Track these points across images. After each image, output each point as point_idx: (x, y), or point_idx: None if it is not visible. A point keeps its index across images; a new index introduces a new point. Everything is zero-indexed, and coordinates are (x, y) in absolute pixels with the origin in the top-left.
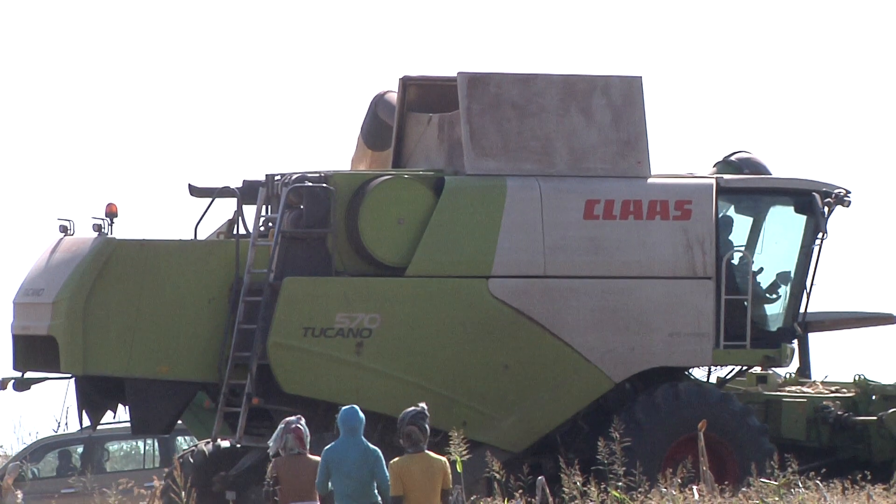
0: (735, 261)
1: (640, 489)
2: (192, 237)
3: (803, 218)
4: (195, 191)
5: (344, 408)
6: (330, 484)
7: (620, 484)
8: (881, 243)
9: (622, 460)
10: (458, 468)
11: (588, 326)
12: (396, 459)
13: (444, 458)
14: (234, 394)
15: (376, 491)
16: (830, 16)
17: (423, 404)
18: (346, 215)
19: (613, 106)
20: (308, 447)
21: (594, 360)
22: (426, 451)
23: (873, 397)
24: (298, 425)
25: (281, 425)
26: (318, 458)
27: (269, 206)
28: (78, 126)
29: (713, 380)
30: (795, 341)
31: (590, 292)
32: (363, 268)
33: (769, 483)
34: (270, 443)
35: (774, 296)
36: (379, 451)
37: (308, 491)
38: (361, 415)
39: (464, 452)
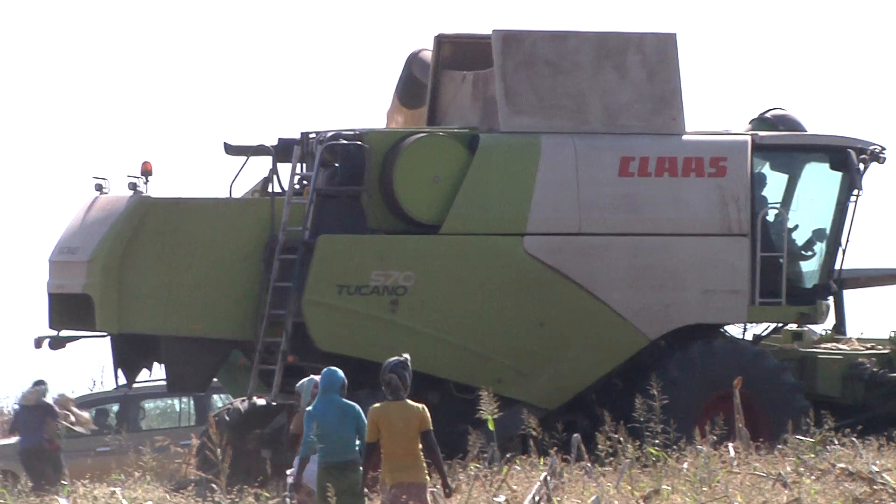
0: (770, 218)
1: (674, 446)
2: (227, 195)
3: (839, 175)
4: (230, 149)
5: (325, 368)
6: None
7: (657, 441)
8: None
9: (660, 417)
10: (490, 426)
11: (623, 284)
12: (375, 406)
13: (421, 405)
14: (269, 351)
15: (357, 447)
16: None
17: (406, 355)
18: (380, 173)
19: (648, 63)
20: None
21: (629, 317)
22: (406, 400)
23: None
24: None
25: (304, 381)
26: None
27: (304, 164)
28: (113, 84)
29: (748, 337)
30: (831, 298)
31: (625, 249)
32: (398, 225)
33: (804, 440)
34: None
35: (810, 253)
36: (358, 406)
37: None
38: (340, 375)
39: (494, 410)
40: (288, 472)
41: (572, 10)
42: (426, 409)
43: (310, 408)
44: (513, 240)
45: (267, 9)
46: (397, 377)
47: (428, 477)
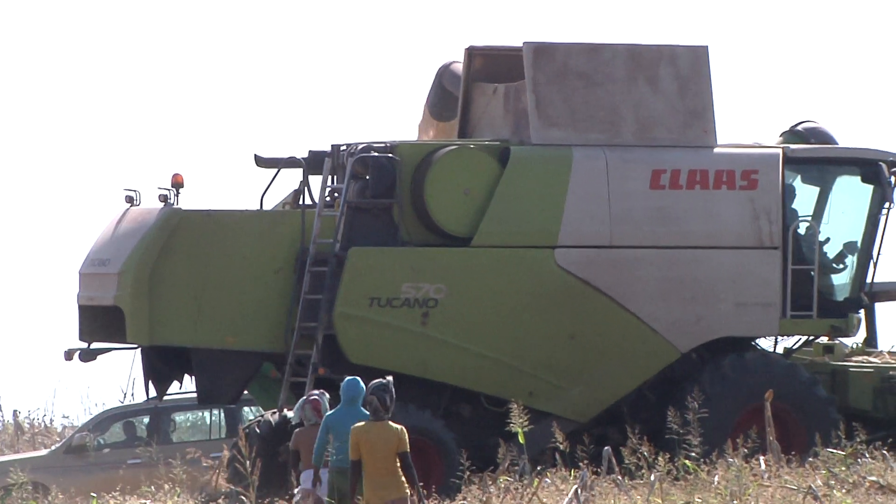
0: (802, 231)
1: (706, 459)
2: (258, 207)
3: (870, 188)
4: (261, 161)
5: (347, 378)
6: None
7: (693, 454)
8: None
9: (697, 430)
10: (521, 439)
11: (654, 296)
12: (356, 426)
13: (401, 427)
14: (300, 364)
15: None
16: None
17: (389, 378)
18: (411, 185)
19: (680, 76)
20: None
21: (661, 330)
22: (387, 421)
23: None
24: (316, 398)
25: (302, 398)
26: None
27: (335, 177)
28: (144, 96)
29: (780, 350)
30: (862, 311)
31: (656, 262)
32: (429, 238)
33: (836, 453)
34: (290, 414)
35: (841, 266)
36: None
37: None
38: (362, 385)
39: (525, 423)
40: (296, 490)
41: (601, 22)
42: (405, 431)
43: (329, 412)
44: (544, 252)
45: (298, 22)
46: (377, 399)
47: (408, 492)
